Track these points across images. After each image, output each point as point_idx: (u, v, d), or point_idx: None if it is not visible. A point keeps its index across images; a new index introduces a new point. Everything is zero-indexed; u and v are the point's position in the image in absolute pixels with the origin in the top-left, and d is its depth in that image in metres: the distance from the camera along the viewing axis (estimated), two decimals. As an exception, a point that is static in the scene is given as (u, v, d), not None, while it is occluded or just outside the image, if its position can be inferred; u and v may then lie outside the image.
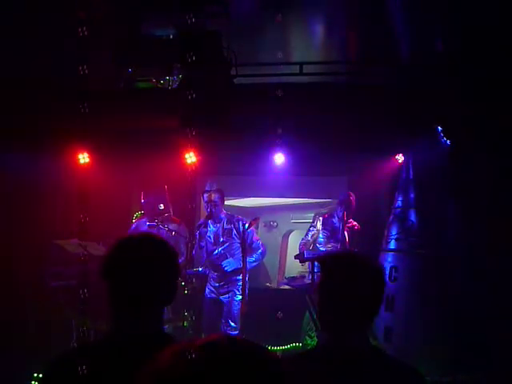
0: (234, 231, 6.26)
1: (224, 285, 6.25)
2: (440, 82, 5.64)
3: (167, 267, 1.90)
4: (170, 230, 6.56)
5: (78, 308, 5.64)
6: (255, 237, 6.42)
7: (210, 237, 6.34)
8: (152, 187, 6.83)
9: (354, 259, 2.10)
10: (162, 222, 6.61)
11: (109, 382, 1.71)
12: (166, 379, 0.88)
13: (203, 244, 6.34)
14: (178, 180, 6.94)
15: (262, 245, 6.39)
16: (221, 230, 6.28)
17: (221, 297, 6.24)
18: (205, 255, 6.40)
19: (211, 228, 6.35)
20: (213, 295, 6.32)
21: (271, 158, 6.55)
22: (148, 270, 1.85)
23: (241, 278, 6.13)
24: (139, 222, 6.82)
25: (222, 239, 6.26)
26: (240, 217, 6.39)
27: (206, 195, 6.32)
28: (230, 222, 6.28)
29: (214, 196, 6.26)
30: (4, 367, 5.26)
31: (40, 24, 5.12)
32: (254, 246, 6.30)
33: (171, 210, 6.74)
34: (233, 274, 6.18)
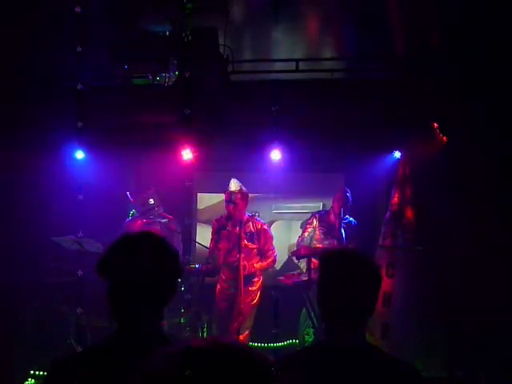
0: (256, 236, 6.25)
1: (237, 287, 6.23)
2: (437, 79, 5.64)
3: (167, 266, 1.88)
4: (165, 227, 6.56)
5: (75, 304, 5.63)
6: (271, 245, 6.43)
7: (230, 239, 6.29)
8: (138, 185, 6.81)
9: (351, 257, 2.10)
10: (156, 216, 6.60)
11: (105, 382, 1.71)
12: (153, 382, 0.88)
13: (222, 246, 6.29)
14: (174, 176, 6.93)
15: (275, 255, 6.47)
16: (241, 232, 6.17)
17: (236, 299, 6.25)
18: (222, 256, 6.36)
19: (231, 230, 6.31)
20: (228, 291, 6.31)
21: (268, 154, 6.55)
22: (147, 269, 1.83)
23: (254, 280, 6.16)
24: (132, 220, 6.78)
25: (241, 242, 6.18)
26: (259, 220, 6.35)
27: (226, 195, 6.25)
28: (252, 225, 6.24)
29: (234, 196, 6.18)
30: (1, 364, 5.25)
31: (37, 21, 5.10)
32: (267, 254, 6.36)
33: (161, 207, 6.72)
34: (246, 277, 6.16)
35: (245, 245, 6.20)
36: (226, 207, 6.27)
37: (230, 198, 6.19)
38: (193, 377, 0.86)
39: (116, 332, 1.85)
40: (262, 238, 6.31)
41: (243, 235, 6.13)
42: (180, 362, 0.88)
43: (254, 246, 6.27)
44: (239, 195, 6.19)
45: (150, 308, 1.86)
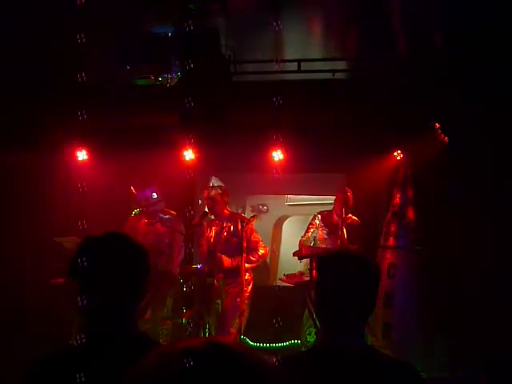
0: (237, 230, 6.20)
1: (230, 284, 6.23)
2: (439, 80, 5.64)
3: (135, 265, 1.88)
4: (168, 227, 6.55)
5: (78, 305, 5.62)
6: (255, 238, 6.32)
7: (211, 235, 6.30)
8: (141, 181, 6.80)
9: (348, 258, 2.10)
10: (158, 218, 6.59)
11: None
12: (150, 382, 0.89)
13: (202, 242, 6.30)
14: (176, 177, 6.94)
15: (264, 247, 6.35)
16: (223, 228, 6.21)
17: (229, 297, 6.24)
18: (205, 253, 6.36)
19: (213, 226, 6.32)
20: (219, 289, 6.31)
21: (270, 154, 6.55)
22: (116, 268, 1.84)
23: (246, 278, 6.14)
24: (133, 220, 6.76)
25: (223, 237, 6.20)
26: (242, 215, 6.34)
27: (205, 191, 6.25)
28: (231, 220, 6.21)
29: (212, 192, 6.18)
30: (3, 364, 5.26)
31: (39, 21, 5.11)
32: (252, 246, 6.24)
33: (164, 202, 6.70)
34: (237, 274, 6.13)
35: (226, 239, 6.19)
36: (206, 204, 6.27)
37: (209, 195, 6.18)
38: (188, 379, 0.87)
39: (89, 334, 1.87)
40: (244, 232, 6.10)
41: (242, 235, 6.14)
42: (175, 363, 0.89)
43: (235, 241, 6.20)
44: (218, 191, 6.18)
45: (122, 308, 1.87)
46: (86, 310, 1.88)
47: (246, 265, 6.11)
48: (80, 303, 1.87)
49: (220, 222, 6.28)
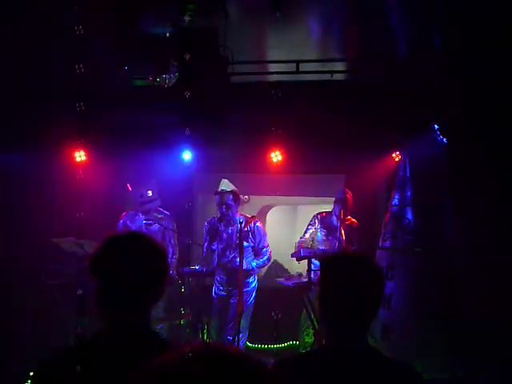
0: (250, 234, 6.13)
1: (233, 290, 6.16)
2: (437, 80, 5.65)
3: (154, 266, 1.93)
4: (163, 227, 6.52)
5: (76, 306, 5.62)
6: (266, 242, 6.26)
7: (223, 239, 6.23)
8: (139, 180, 6.74)
9: (353, 260, 2.10)
10: (152, 217, 6.54)
11: (98, 382, 1.73)
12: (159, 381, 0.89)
13: (215, 247, 6.18)
14: (174, 177, 6.93)
15: (270, 252, 6.29)
16: (235, 232, 6.09)
17: (231, 300, 6.20)
18: (216, 258, 6.26)
19: (224, 230, 6.22)
20: (222, 293, 6.26)
21: (268, 155, 6.55)
22: (135, 268, 1.88)
23: (250, 281, 6.11)
24: (127, 216, 6.68)
25: (236, 242, 6.08)
26: (247, 215, 6.24)
27: (217, 196, 6.09)
28: (245, 224, 6.07)
29: (226, 198, 6.02)
30: (3, 365, 5.25)
31: (39, 23, 5.10)
32: (262, 251, 6.21)
33: (159, 200, 6.63)
34: (247, 276, 6.06)
35: (241, 243, 6.12)
36: (219, 209, 6.15)
37: (222, 200, 6.07)
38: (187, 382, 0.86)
39: (104, 331, 1.88)
40: (256, 235, 6.14)
41: (240, 236, 6.07)
42: (176, 366, 0.88)
43: (248, 245, 6.16)
44: (231, 196, 6.07)
45: (138, 307, 1.90)
46: (103, 309, 1.90)
47: (255, 267, 6.11)
48: (97, 302, 1.90)
49: (233, 227, 6.19)
